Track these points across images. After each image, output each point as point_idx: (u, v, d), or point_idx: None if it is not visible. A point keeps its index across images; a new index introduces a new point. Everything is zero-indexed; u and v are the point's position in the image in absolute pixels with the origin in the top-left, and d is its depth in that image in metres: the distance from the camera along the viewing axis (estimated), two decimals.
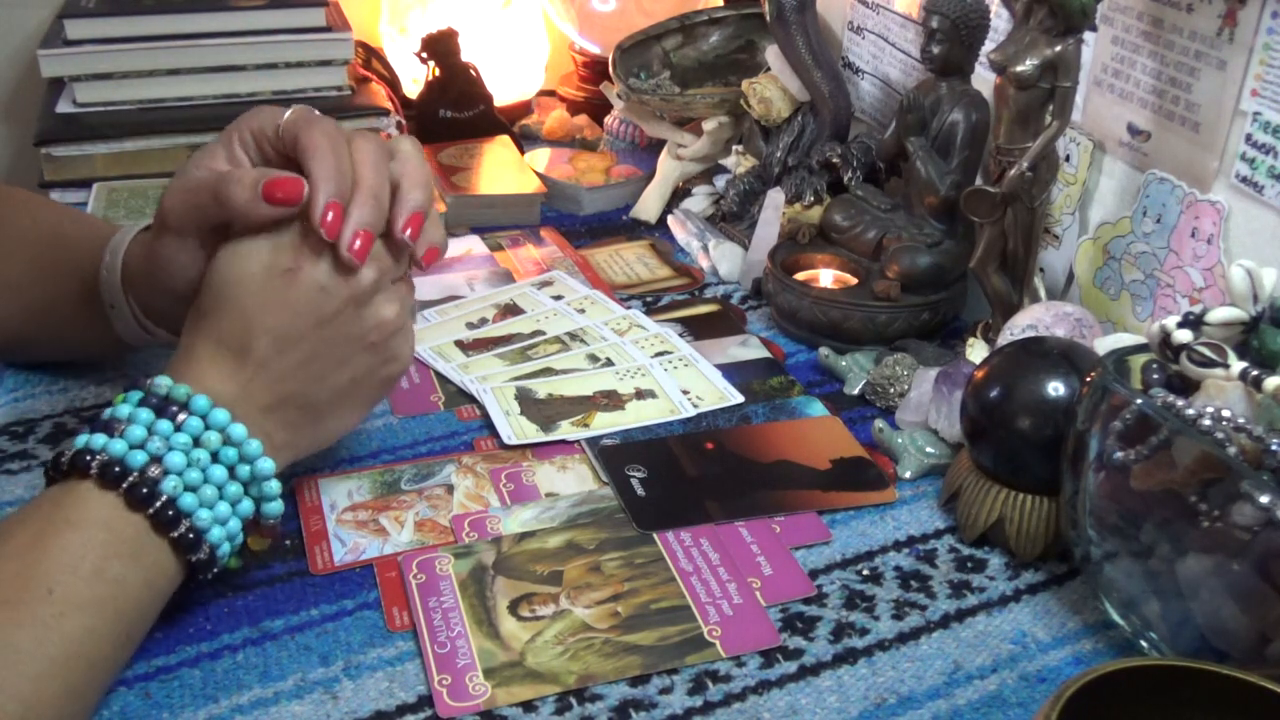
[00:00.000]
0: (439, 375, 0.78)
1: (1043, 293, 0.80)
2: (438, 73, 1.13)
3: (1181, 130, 0.71)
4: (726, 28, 1.09)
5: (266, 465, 0.55)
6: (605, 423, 0.73)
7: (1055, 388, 0.61)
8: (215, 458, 0.54)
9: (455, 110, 1.14)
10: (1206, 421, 0.50)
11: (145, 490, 0.51)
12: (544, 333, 0.83)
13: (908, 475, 0.70)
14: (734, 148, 1.03)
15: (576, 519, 0.65)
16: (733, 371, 0.80)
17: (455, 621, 0.57)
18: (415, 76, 1.21)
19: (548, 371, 0.79)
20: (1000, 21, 0.80)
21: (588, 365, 0.79)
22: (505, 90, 1.22)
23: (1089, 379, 0.57)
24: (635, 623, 0.57)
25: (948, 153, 0.83)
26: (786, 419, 0.75)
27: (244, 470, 0.54)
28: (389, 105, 1.08)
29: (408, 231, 0.58)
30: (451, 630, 0.56)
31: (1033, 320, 0.71)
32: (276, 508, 0.56)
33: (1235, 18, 0.66)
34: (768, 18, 0.94)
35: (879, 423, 0.72)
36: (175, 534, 0.52)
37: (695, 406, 0.75)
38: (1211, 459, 0.50)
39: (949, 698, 0.54)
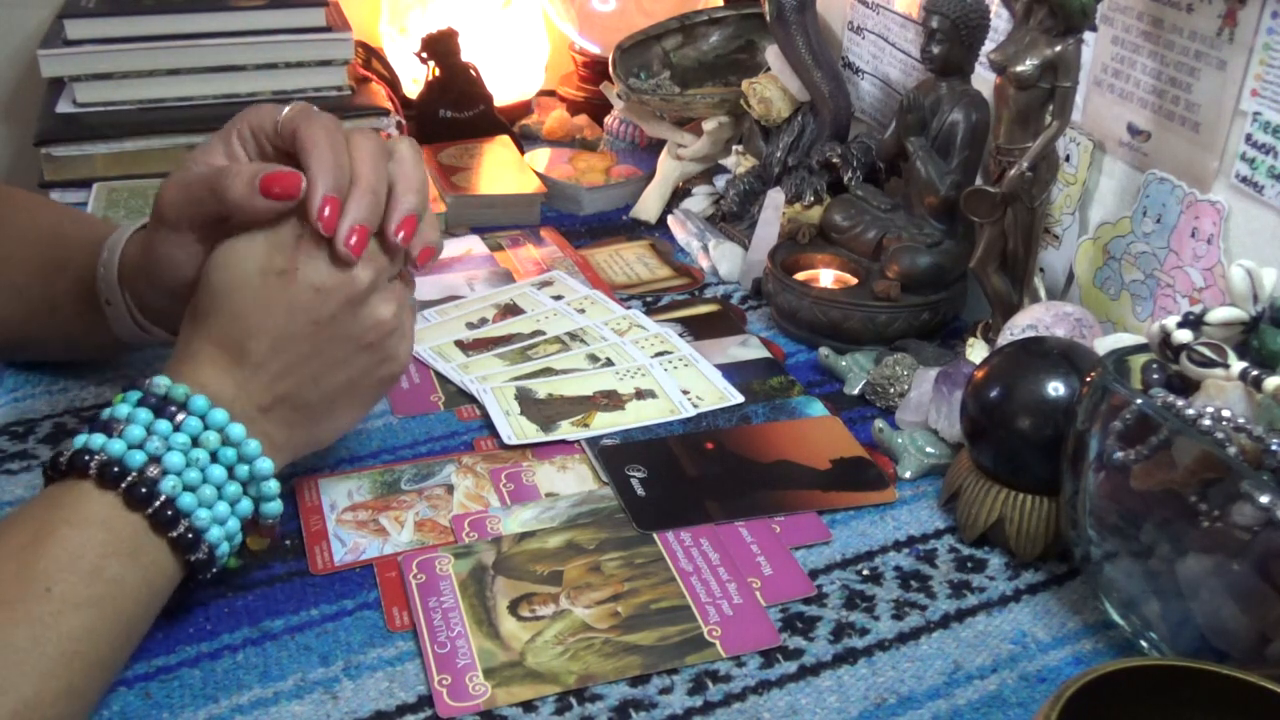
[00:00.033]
0: (439, 375, 0.78)
1: (1043, 293, 0.80)
2: (438, 73, 1.13)
3: (1181, 130, 0.71)
4: (726, 28, 1.09)
5: (265, 465, 0.55)
6: (605, 423, 0.73)
7: (1055, 388, 0.61)
8: (214, 457, 0.54)
9: (455, 110, 1.14)
10: (1206, 421, 0.50)
11: (144, 490, 0.51)
12: (544, 333, 0.83)
13: (908, 475, 0.70)
14: (734, 148, 1.03)
15: (576, 519, 0.65)
16: (733, 371, 0.80)
17: (455, 621, 0.57)
18: (415, 76, 1.21)
19: (548, 371, 0.79)
20: (1000, 21, 0.80)
21: (588, 365, 0.79)
22: (505, 90, 1.22)
23: (1089, 379, 0.57)
24: (635, 623, 0.57)
25: (948, 153, 0.83)
26: (786, 419, 0.75)
27: (243, 470, 0.54)
28: (389, 105, 1.08)
29: (400, 235, 0.58)
30: (451, 630, 0.56)
31: (1033, 320, 0.71)
32: (275, 507, 0.56)
33: (1235, 18, 0.66)
34: (768, 18, 0.94)
35: (879, 423, 0.72)
36: (174, 534, 0.52)
37: (695, 406, 0.75)
38: (1211, 459, 0.50)
39: (949, 698, 0.54)
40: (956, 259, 0.83)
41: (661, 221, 1.04)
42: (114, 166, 0.98)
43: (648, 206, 1.05)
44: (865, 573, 0.62)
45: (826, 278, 0.88)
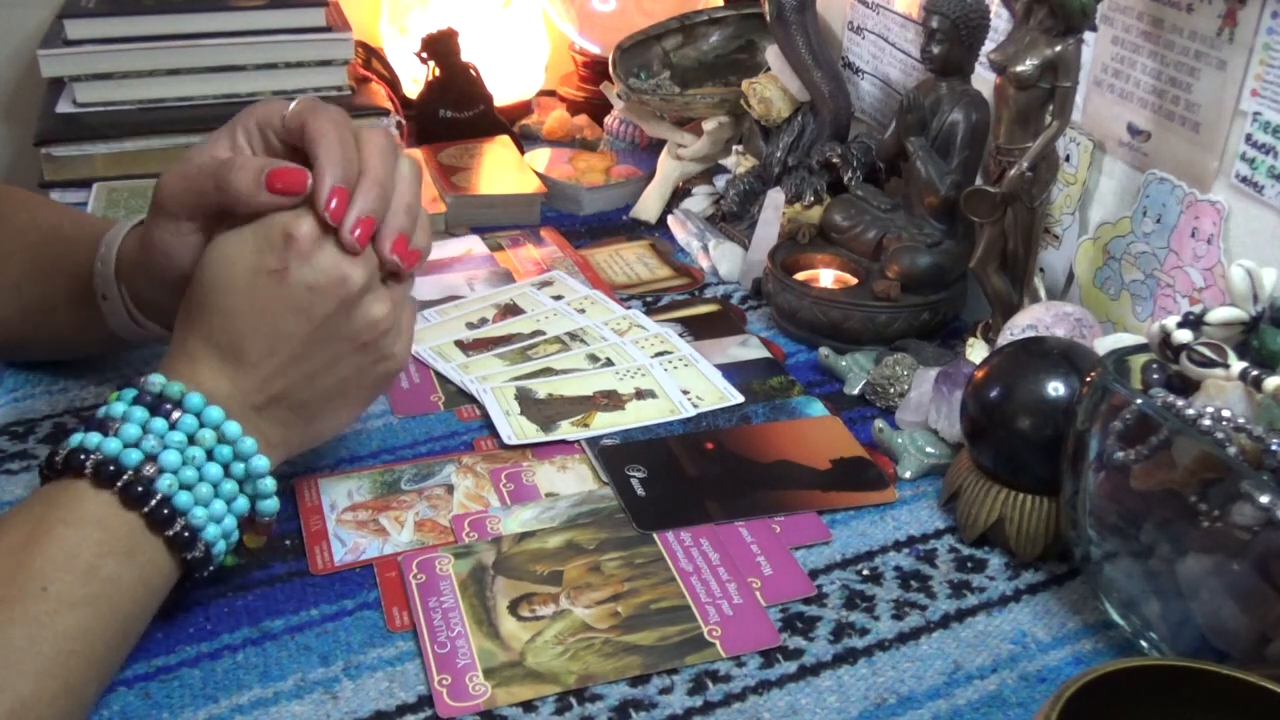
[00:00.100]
0: (439, 375, 0.78)
1: (1043, 293, 0.80)
2: (438, 73, 1.13)
3: (1181, 130, 0.71)
4: (726, 28, 1.09)
5: (261, 463, 0.55)
6: (605, 423, 0.73)
7: (1055, 388, 0.61)
8: (210, 455, 0.53)
9: (455, 110, 1.14)
10: (1206, 421, 0.50)
11: (140, 489, 0.51)
12: (544, 333, 0.83)
13: (908, 475, 0.70)
14: (734, 148, 1.03)
15: (576, 519, 0.65)
16: (733, 371, 0.80)
17: (455, 621, 0.57)
18: (415, 76, 1.21)
19: (548, 371, 0.79)
20: (1000, 21, 0.80)
21: (588, 365, 0.79)
22: (505, 90, 1.22)
23: (1089, 379, 0.57)
24: (635, 623, 0.57)
25: (948, 153, 0.83)
26: (786, 419, 0.75)
27: (239, 468, 0.54)
28: (389, 105, 1.08)
29: (394, 255, 0.58)
30: (451, 630, 0.56)
31: (1033, 320, 0.71)
32: (272, 505, 0.56)
33: (1235, 18, 0.66)
34: (768, 18, 0.94)
35: (879, 423, 0.72)
36: (170, 532, 0.52)
37: (695, 406, 0.75)
38: (1211, 459, 0.50)
39: (949, 698, 0.54)
40: (956, 259, 0.83)
41: (661, 221, 1.04)
42: (114, 166, 0.98)
43: (648, 206, 1.05)
44: (865, 573, 0.62)
45: (826, 278, 0.88)
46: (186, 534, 0.52)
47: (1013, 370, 0.63)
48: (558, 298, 0.88)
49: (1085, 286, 0.79)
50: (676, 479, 0.68)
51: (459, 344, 0.82)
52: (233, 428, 0.54)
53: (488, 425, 0.73)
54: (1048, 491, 0.62)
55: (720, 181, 1.03)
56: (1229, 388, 0.52)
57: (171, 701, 0.52)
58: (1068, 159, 0.79)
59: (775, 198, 0.92)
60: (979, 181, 0.80)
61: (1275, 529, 0.47)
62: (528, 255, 0.96)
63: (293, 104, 0.59)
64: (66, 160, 0.97)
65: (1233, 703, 0.43)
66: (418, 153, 1.10)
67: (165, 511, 0.51)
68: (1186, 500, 0.50)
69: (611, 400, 0.75)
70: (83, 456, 0.51)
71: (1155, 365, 0.56)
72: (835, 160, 0.92)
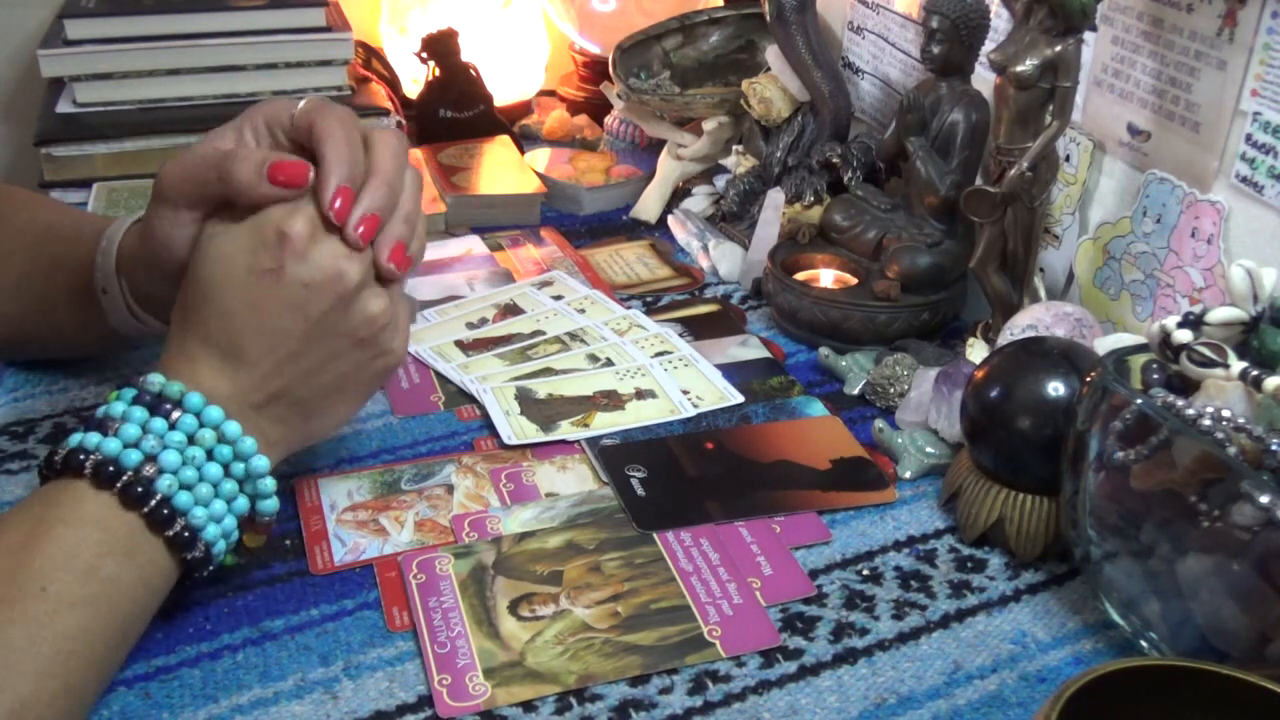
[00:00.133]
0: (439, 375, 0.78)
1: (1043, 293, 0.80)
2: (438, 73, 1.13)
3: (1181, 130, 0.71)
4: (726, 28, 1.09)
5: (261, 463, 0.55)
6: (605, 423, 0.73)
7: (1055, 388, 0.61)
8: (210, 455, 0.53)
9: (455, 110, 1.14)
10: (1206, 421, 0.50)
11: (140, 489, 0.51)
12: (544, 333, 0.83)
13: (908, 475, 0.70)
14: (734, 148, 1.03)
15: (576, 519, 0.65)
16: (733, 371, 0.80)
17: (455, 621, 0.57)
18: (415, 76, 1.21)
19: (548, 371, 0.79)
20: (1000, 21, 0.80)
21: (588, 365, 0.79)
22: (505, 90, 1.22)
23: (1089, 379, 0.57)
24: (635, 623, 0.57)
25: (948, 153, 0.83)
26: (786, 419, 0.75)
27: (238, 468, 0.54)
28: (389, 105, 1.08)
29: (390, 263, 0.58)
30: (451, 630, 0.56)
31: (1033, 320, 0.71)
32: (272, 505, 0.56)
33: (1235, 18, 0.66)
34: (768, 18, 0.94)
35: (879, 423, 0.72)
36: (170, 532, 0.52)
37: (695, 406, 0.75)
38: (1211, 459, 0.50)
39: (949, 698, 0.54)
40: (956, 259, 0.83)
41: (661, 221, 1.04)
42: (114, 166, 0.98)
43: (648, 206, 1.05)
44: (865, 573, 0.62)
45: (826, 278, 0.88)
46: (186, 534, 0.52)
47: (1013, 370, 0.63)
48: (558, 298, 0.88)
49: (1085, 286, 0.79)
50: (676, 479, 0.68)
51: (459, 344, 0.82)
52: (232, 427, 0.54)
53: (488, 425, 0.73)
54: (1048, 491, 0.62)
55: (720, 181, 1.03)
56: (1229, 388, 0.52)
57: (171, 701, 0.52)
58: (1068, 159, 0.79)
59: (775, 198, 0.92)
60: (979, 181, 0.80)
61: (1275, 529, 0.47)
62: (528, 255, 0.96)
63: (301, 103, 0.59)
64: (66, 160, 0.97)
65: (1233, 703, 0.43)
66: (418, 152, 1.10)
67: (165, 512, 0.51)
68: (1186, 500, 0.50)
69: (611, 400, 0.75)
70: (82, 456, 0.51)
71: (1155, 365, 0.56)
72: (835, 160, 0.92)
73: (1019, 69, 0.69)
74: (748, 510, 0.66)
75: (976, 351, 0.78)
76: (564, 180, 1.06)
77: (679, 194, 1.06)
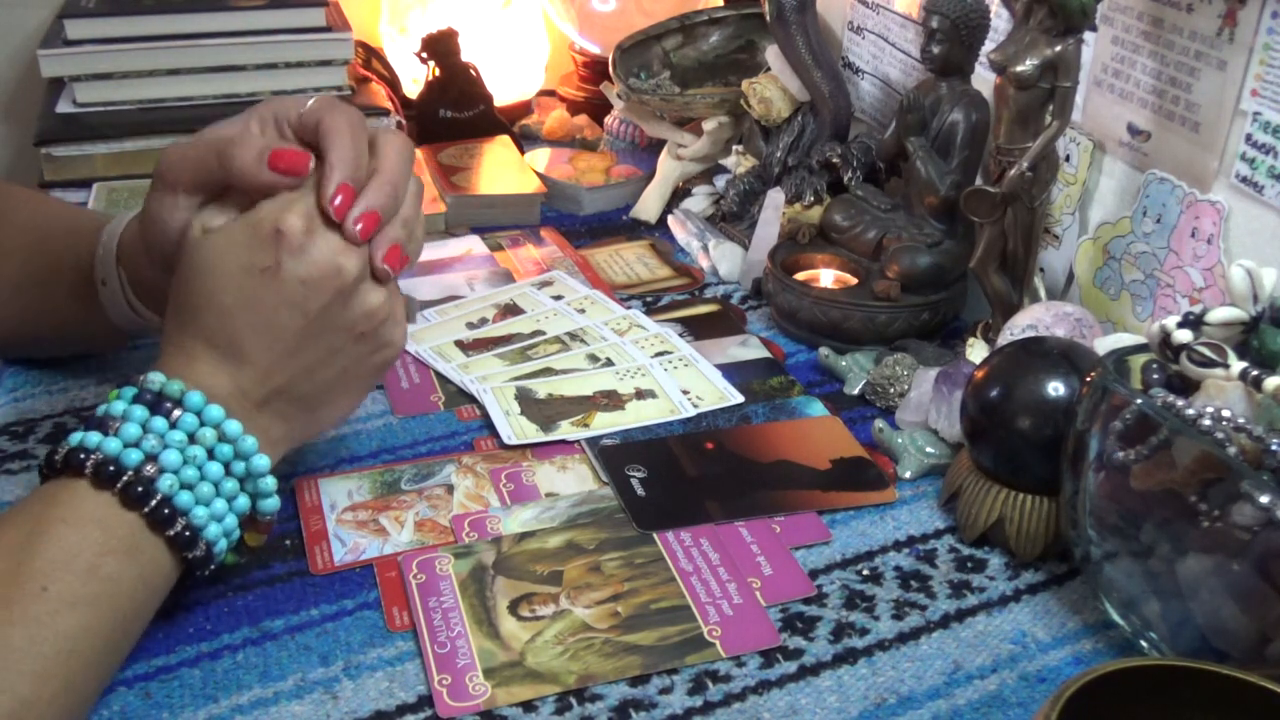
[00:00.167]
0: (439, 375, 0.78)
1: (1043, 293, 0.80)
2: (438, 73, 1.13)
3: (1181, 130, 0.71)
4: (726, 28, 1.09)
5: (262, 462, 0.55)
6: (605, 423, 0.73)
7: (1055, 388, 0.61)
8: (211, 454, 0.53)
9: (455, 110, 1.14)
10: (1206, 421, 0.50)
11: (140, 489, 0.51)
12: (544, 333, 0.83)
13: (908, 475, 0.70)
14: (734, 148, 1.03)
15: (576, 519, 0.65)
16: (733, 371, 0.80)
17: (455, 621, 0.57)
18: (415, 76, 1.21)
19: (548, 371, 0.79)
20: (1000, 21, 0.80)
21: (588, 365, 0.79)
22: (505, 90, 1.22)
23: (1089, 379, 0.57)
24: (635, 623, 0.57)
25: (948, 153, 0.83)
26: (786, 419, 0.75)
27: (239, 467, 0.54)
28: (389, 105, 1.08)
29: (385, 264, 0.58)
30: (451, 630, 0.56)
31: (1033, 320, 0.71)
32: (273, 504, 0.56)
33: (1235, 18, 0.66)
34: (768, 18, 0.94)
35: (879, 423, 0.72)
36: (171, 532, 0.52)
37: (695, 406, 0.75)
38: (1211, 459, 0.50)
39: (949, 698, 0.54)
40: (956, 259, 0.83)
41: (661, 221, 1.04)
42: (114, 166, 0.98)
43: (648, 206, 1.05)
44: (865, 573, 0.62)
45: (826, 278, 0.88)
46: (187, 533, 0.52)
47: (1013, 370, 0.63)
48: (558, 298, 0.88)
49: (1085, 286, 0.79)
50: (676, 479, 0.68)
51: (459, 344, 0.82)
52: (233, 426, 0.54)
53: (488, 425, 0.73)
54: (1048, 491, 0.62)
55: (720, 181, 1.03)
56: (1229, 388, 0.52)
57: (171, 701, 0.52)
58: (1068, 159, 0.79)
59: (775, 198, 0.92)
60: (979, 181, 0.80)
61: (1275, 529, 0.47)
62: (528, 255, 0.96)
63: (310, 101, 0.59)
64: (66, 160, 0.97)
65: (1233, 703, 0.43)
66: (418, 152, 1.10)
67: (166, 511, 0.51)
68: (1186, 500, 0.50)
69: (611, 400, 0.75)
70: (83, 456, 0.51)
71: (1155, 365, 0.56)
72: (835, 160, 0.92)
73: (1019, 69, 0.69)
74: (748, 510, 0.66)
75: (976, 351, 0.78)
76: (564, 180, 1.06)
77: (679, 194, 1.06)
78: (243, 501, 0.55)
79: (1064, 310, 0.72)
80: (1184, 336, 0.54)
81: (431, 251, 0.95)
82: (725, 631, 0.57)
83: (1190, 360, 0.54)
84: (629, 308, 0.87)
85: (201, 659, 0.55)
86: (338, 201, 0.55)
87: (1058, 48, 0.68)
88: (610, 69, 1.05)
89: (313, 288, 0.55)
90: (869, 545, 0.64)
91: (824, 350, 0.81)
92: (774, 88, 0.97)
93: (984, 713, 0.54)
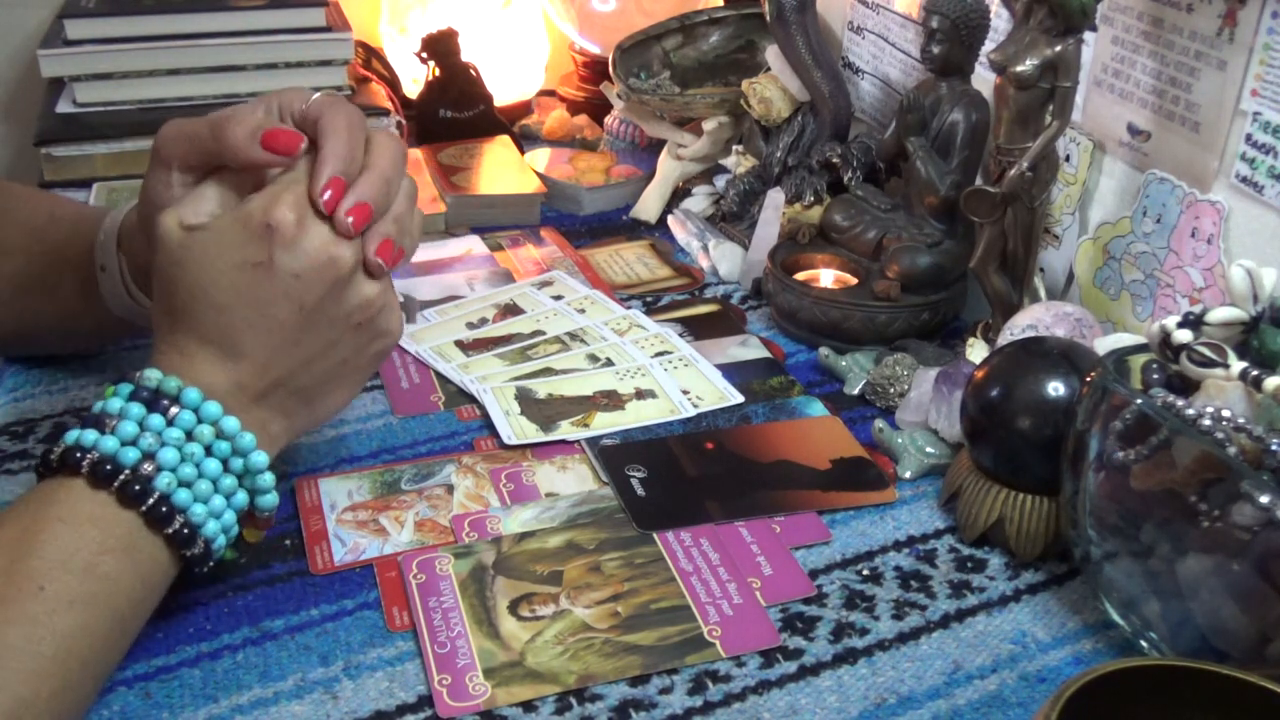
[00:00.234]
0: (439, 375, 0.78)
1: (1043, 293, 0.80)
2: (438, 73, 1.13)
3: (1181, 130, 0.71)
4: (726, 28, 1.09)
5: (260, 458, 0.54)
6: (605, 423, 0.73)
7: (1055, 388, 0.61)
8: (209, 451, 0.53)
9: (455, 110, 1.14)
10: (1206, 421, 0.50)
11: (138, 487, 0.51)
12: (544, 333, 0.83)
13: (908, 475, 0.70)
14: (734, 148, 1.03)
15: (576, 519, 0.65)
16: (733, 371, 0.80)
17: (455, 621, 0.57)
18: (415, 76, 1.21)
19: (548, 371, 0.79)
20: (1000, 21, 0.80)
21: (588, 365, 0.79)
22: (505, 90, 1.22)
23: (1089, 379, 0.57)
24: (635, 623, 0.57)
25: (948, 153, 0.83)
26: (786, 419, 0.75)
27: (237, 463, 0.54)
28: (389, 105, 1.08)
29: (378, 258, 0.58)
30: (451, 630, 0.56)
31: (1033, 320, 0.71)
32: (271, 500, 0.56)
33: (1235, 18, 0.66)
34: (768, 18, 0.94)
35: (879, 423, 0.72)
36: (169, 530, 0.51)
37: (695, 406, 0.75)
38: (1211, 459, 0.50)
39: (949, 698, 0.54)
40: (956, 259, 0.83)
41: (661, 221, 1.04)
42: (114, 166, 0.98)
43: (648, 206, 1.05)
44: (865, 573, 0.62)
45: (826, 278, 0.88)
46: (186, 531, 0.52)
47: (1013, 370, 0.63)
48: (558, 298, 0.88)
49: (1085, 286, 0.79)
50: (676, 479, 0.68)
51: (459, 344, 0.82)
52: (231, 423, 0.54)
53: (488, 425, 0.73)
54: (1048, 491, 0.62)
55: (720, 181, 1.03)
56: (1229, 388, 0.52)
57: (171, 701, 0.52)
58: (1068, 159, 0.79)
59: (775, 198, 0.92)
60: (979, 181, 0.80)
61: (1275, 529, 0.47)
62: (528, 255, 0.96)
63: (316, 95, 0.59)
64: (66, 160, 0.97)
65: (1233, 703, 0.43)
66: (417, 152, 1.10)
67: (164, 509, 0.51)
68: (1186, 500, 0.50)
69: (611, 400, 0.75)
70: (79, 455, 0.51)
71: (1155, 365, 0.56)
72: (835, 160, 0.92)
73: (1019, 69, 0.69)
74: (748, 510, 0.66)
75: (976, 351, 0.78)
76: (564, 180, 1.06)
77: (679, 194, 1.06)
78: (241, 498, 0.55)
79: (1064, 310, 0.72)
80: (1184, 336, 0.54)
81: (431, 251, 0.95)
82: (725, 631, 0.57)
83: (1190, 360, 0.54)
84: (629, 308, 0.87)
85: (201, 659, 0.55)
86: (327, 196, 0.55)
87: (1058, 48, 0.68)
88: (610, 69, 1.05)
89: (307, 280, 0.55)
90: (869, 545, 0.64)
91: (824, 350, 0.81)
92: (774, 88, 0.97)
93: (984, 713, 0.54)
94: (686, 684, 0.54)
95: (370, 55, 1.21)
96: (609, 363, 0.80)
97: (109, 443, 0.51)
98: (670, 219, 1.03)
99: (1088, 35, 0.72)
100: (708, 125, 1.04)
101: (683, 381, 0.78)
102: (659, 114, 1.07)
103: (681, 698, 0.54)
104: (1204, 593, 0.51)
